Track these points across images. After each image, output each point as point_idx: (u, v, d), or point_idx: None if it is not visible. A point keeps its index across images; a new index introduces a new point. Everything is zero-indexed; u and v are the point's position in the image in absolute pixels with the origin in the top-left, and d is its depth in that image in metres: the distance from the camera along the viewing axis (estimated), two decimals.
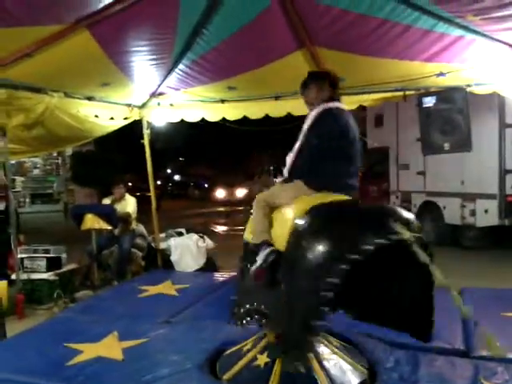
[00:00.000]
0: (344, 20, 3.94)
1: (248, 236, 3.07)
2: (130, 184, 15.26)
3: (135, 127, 6.81)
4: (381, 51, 4.46)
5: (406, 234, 2.39)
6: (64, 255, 6.19)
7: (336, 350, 3.04)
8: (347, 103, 5.80)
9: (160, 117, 6.57)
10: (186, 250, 6.69)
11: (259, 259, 2.78)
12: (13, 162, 13.02)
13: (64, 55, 4.06)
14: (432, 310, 2.82)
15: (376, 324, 3.06)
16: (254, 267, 2.80)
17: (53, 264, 5.92)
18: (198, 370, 3.11)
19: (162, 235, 7.15)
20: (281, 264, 2.73)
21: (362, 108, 6.57)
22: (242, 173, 23.34)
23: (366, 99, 5.83)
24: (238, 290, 3.16)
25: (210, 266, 6.80)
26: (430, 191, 9.27)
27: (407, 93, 5.47)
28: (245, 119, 6.11)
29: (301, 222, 2.70)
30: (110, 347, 3.53)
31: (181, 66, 5.05)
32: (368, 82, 5.34)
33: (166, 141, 25.59)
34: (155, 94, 5.98)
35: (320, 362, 2.87)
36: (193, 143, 30.55)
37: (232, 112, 6.18)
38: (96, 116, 5.70)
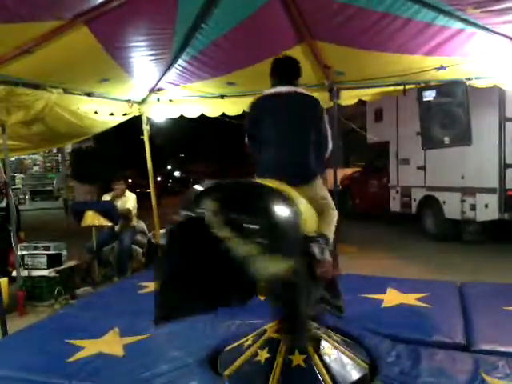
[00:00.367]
0: (344, 14, 3.93)
1: None
2: (129, 180, 15.25)
3: (135, 123, 6.80)
4: (381, 45, 4.45)
5: (207, 214, 2.14)
6: (64, 252, 6.19)
7: (337, 344, 3.04)
8: (347, 97, 5.87)
9: (159, 112, 6.56)
10: None
11: None
12: (12, 158, 13.04)
13: (63, 51, 4.04)
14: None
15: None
16: None
17: (53, 261, 5.92)
18: (198, 366, 3.11)
19: (163, 231, 7.15)
20: None
21: (361, 103, 6.55)
22: (243, 168, 23.34)
23: (366, 93, 5.83)
24: None
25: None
26: (430, 186, 9.25)
27: (407, 87, 5.45)
28: (245, 115, 6.09)
29: None
30: (111, 343, 3.53)
31: (180, 62, 5.04)
32: (368, 76, 5.33)
33: (166, 137, 25.57)
34: (154, 89, 5.97)
35: (320, 357, 2.87)
36: (193, 139, 30.52)
37: (232, 107, 6.16)
38: (95, 112, 5.69)
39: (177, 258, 2.36)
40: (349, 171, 13.86)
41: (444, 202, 8.83)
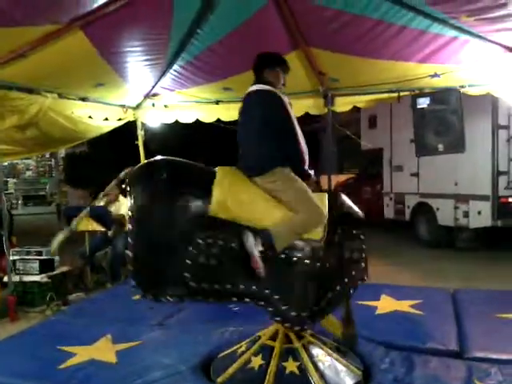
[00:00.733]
0: (339, 20, 3.95)
1: None
2: (123, 186, 15.13)
3: (129, 128, 6.78)
4: (375, 52, 4.47)
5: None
6: (57, 257, 6.14)
7: (330, 351, 3.04)
8: (341, 104, 5.89)
9: (154, 118, 6.55)
10: None
11: None
12: (5, 163, 12.96)
13: (58, 56, 4.03)
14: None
15: None
16: None
17: (45, 266, 5.87)
18: (191, 373, 3.09)
19: None
20: None
21: (356, 109, 6.58)
22: None
23: (360, 100, 5.85)
24: None
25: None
26: (424, 193, 9.28)
27: (401, 94, 5.49)
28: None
29: None
30: (104, 350, 3.51)
31: (175, 67, 5.04)
32: (362, 82, 5.36)
33: (160, 142, 25.51)
34: (149, 94, 5.96)
35: (314, 364, 2.86)
36: (187, 144, 30.45)
37: (227, 113, 6.16)
38: (90, 117, 5.67)
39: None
40: (343, 177, 13.87)
41: (437, 209, 8.86)
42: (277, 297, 2.73)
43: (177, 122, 6.48)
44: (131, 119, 6.43)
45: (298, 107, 5.74)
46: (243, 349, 3.09)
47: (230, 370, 2.94)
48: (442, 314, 4.11)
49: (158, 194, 2.79)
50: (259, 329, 3.21)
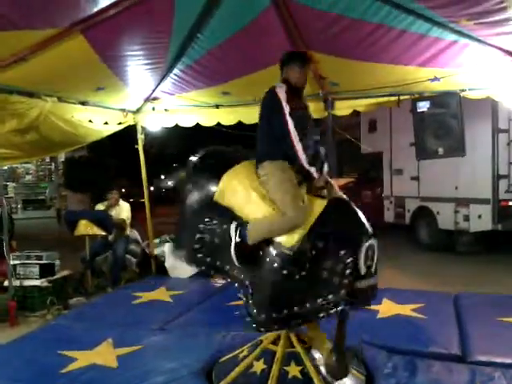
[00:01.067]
0: (339, 25, 3.95)
1: None
2: (123, 190, 15.17)
3: (129, 132, 6.78)
4: (376, 56, 4.47)
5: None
6: (57, 262, 6.12)
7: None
8: (341, 108, 5.89)
9: (154, 122, 6.55)
10: None
11: None
12: (5, 167, 12.96)
13: (58, 59, 4.03)
14: None
15: None
16: None
17: (46, 270, 5.85)
18: (193, 378, 3.08)
19: (156, 241, 7.11)
20: None
21: (355, 113, 6.58)
22: None
23: (360, 104, 5.85)
24: None
25: (204, 272, 6.74)
26: (424, 196, 9.29)
27: (401, 98, 5.48)
28: (240, 124, 6.09)
29: None
30: (105, 355, 3.50)
31: (175, 71, 5.04)
32: (362, 86, 5.36)
33: (159, 146, 25.53)
34: (150, 98, 5.96)
35: (317, 368, 2.85)
36: (187, 149, 30.48)
37: (227, 117, 6.16)
38: (90, 121, 5.66)
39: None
40: (342, 181, 13.85)
41: (438, 213, 8.87)
42: (250, 290, 2.78)
43: (176, 126, 6.48)
44: (131, 123, 6.42)
45: None
46: (245, 353, 3.08)
47: (232, 375, 2.93)
48: (444, 317, 4.11)
49: (204, 176, 3.14)
50: (261, 333, 3.19)
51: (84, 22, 3.62)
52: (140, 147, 6.62)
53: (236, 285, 2.95)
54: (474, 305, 4.43)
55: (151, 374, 3.14)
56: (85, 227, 6.09)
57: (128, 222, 6.74)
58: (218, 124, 6.27)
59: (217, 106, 6.11)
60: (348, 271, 2.61)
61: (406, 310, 4.29)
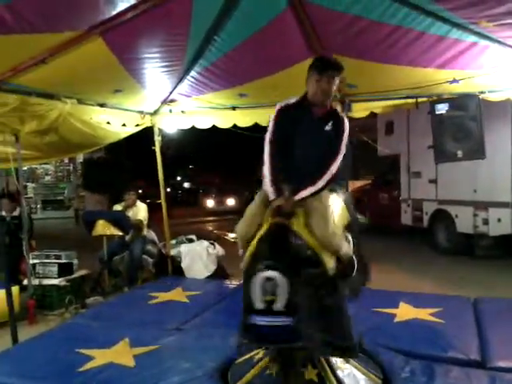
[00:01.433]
0: (357, 26, 3.92)
1: None
2: (140, 191, 15.30)
3: (146, 134, 6.84)
4: (394, 58, 4.43)
5: None
6: (75, 261, 6.21)
7: (350, 359, 3.00)
8: (358, 110, 5.86)
9: (171, 124, 6.59)
10: (197, 257, 6.68)
11: None
12: (25, 168, 13.17)
13: (77, 62, 4.08)
14: None
15: None
16: None
17: (64, 270, 5.94)
18: (208, 379, 3.09)
19: (173, 242, 7.15)
20: None
21: (372, 115, 6.54)
22: (252, 178, 23.33)
23: (378, 106, 5.81)
24: None
25: (220, 273, 6.78)
26: (442, 199, 9.18)
27: (419, 100, 5.43)
28: (256, 126, 6.10)
29: None
30: (122, 354, 3.53)
31: (192, 73, 5.06)
32: (380, 89, 5.32)
33: (176, 148, 25.70)
34: (167, 100, 6.00)
35: (333, 371, 2.83)
36: (203, 150, 30.63)
37: (243, 119, 6.17)
38: (108, 123, 5.72)
39: None
40: (358, 184, 13.79)
41: (456, 216, 8.75)
42: None
43: (192, 128, 6.52)
44: (148, 125, 6.47)
45: None
46: (261, 355, 3.08)
47: (248, 376, 2.94)
48: (463, 322, 4.05)
49: None
50: None
51: (103, 24, 3.66)
52: (157, 149, 6.67)
53: None
54: (494, 309, 4.36)
55: (167, 374, 3.16)
56: (102, 227, 6.15)
57: (145, 222, 6.79)
58: (234, 126, 6.28)
59: (233, 108, 6.13)
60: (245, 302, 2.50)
61: (424, 314, 4.24)
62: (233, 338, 3.67)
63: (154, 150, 6.72)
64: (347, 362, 2.96)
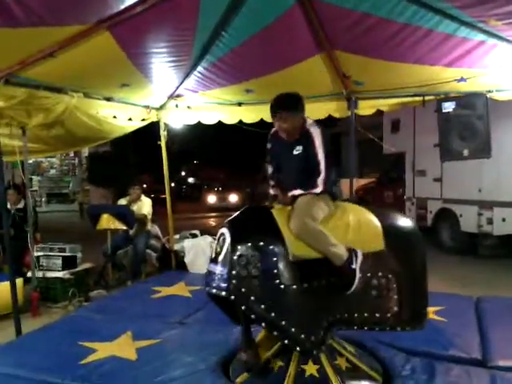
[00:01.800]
0: (365, 23, 3.91)
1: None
2: (144, 185, 15.34)
3: (152, 128, 6.85)
4: (401, 56, 4.42)
5: None
6: (79, 254, 6.25)
7: (351, 356, 3.01)
8: (365, 107, 5.84)
9: (177, 119, 6.59)
10: (200, 252, 6.70)
11: None
12: (30, 161, 13.23)
13: (85, 56, 4.08)
14: None
15: None
16: None
17: (68, 263, 5.98)
18: (210, 372, 3.11)
19: (176, 237, 7.18)
20: None
21: (378, 113, 6.52)
22: (255, 174, 23.31)
23: (384, 104, 5.79)
24: None
25: None
26: (447, 198, 9.15)
27: (426, 98, 5.41)
28: (262, 122, 6.10)
29: None
30: (124, 347, 3.55)
31: (199, 69, 5.06)
32: (387, 86, 5.31)
33: (180, 143, 25.69)
34: (173, 95, 6.01)
35: (334, 368, 2.84)
36: (207, 145, 30.64)
37: (249, 115, 6.17)
38: (114, 117, 5.72)
39: None
40: (362, 182, 13.78)
41: (460, 215, 8.72)
42: None
43: (198, 123, 6.52)
44: (154, 120, 6.48)
45: (320, 110, 5.75)
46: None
47: None
48: (465, 321, 4.05)
49: None
50: None
51: (111, 19, 3.65)
52: (163, 144, 6.68)
53: None
54: (497, 309, 4.35)
55: (169, 367, 3.18)
56: (107, 221, 6.18)
57: (149, 217, 6.82)
58: (240, 122, 6.28)
59: (239, 104, 6.12)
60: None
61: None
62: (235, 332, 3.71)
63: (160, 144, 6.72)
64: (349, 358, 2.97)
